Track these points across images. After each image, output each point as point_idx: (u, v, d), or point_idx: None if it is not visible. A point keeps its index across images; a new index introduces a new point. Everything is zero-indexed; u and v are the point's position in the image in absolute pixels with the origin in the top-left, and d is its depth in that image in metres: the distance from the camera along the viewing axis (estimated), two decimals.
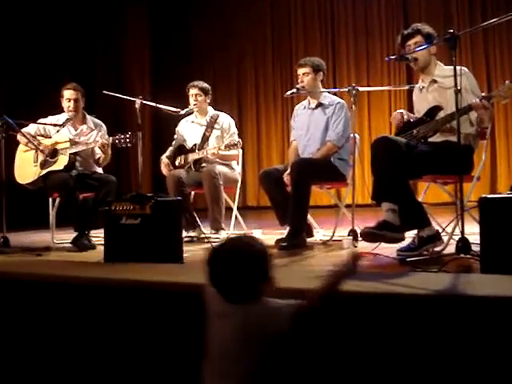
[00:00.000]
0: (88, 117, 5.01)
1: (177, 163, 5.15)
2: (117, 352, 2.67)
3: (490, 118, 3.52)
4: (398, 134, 3.76)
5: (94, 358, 2.74)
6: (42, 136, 4.84)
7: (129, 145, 4.60)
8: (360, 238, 3.70)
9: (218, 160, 5.02)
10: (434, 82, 3.73)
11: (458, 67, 3.35)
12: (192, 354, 2.42)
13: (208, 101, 5.30)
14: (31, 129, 4.85)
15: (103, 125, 5.07)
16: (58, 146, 4.70)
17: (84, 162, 4.84)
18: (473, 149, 3.66)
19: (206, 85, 5.26)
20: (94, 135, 4.90)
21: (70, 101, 4.84)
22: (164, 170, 5.14)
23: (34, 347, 2.91)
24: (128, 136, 4.56)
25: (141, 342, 2.61)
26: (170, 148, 5.34)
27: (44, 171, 4.66)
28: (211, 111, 5.32)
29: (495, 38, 8.11)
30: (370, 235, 3.35)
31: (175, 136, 5.41)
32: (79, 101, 4.88)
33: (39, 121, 4.89)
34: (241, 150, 5.26)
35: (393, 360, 2.08)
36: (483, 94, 3.41)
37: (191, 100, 5.22)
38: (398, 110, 3.95)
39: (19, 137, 4.77)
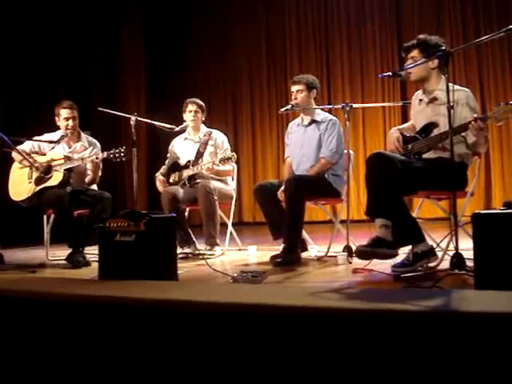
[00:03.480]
0: (83, 135, 5.02)
1: (171, 180, 5.16)
2: (111, 370, 2.66)
3: (486, 143, 3.53)
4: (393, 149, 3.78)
5: (88, 376, 2.72)
6: (37, 153, 4.84)
7: (123, 159, 4.60)
8: (354, 255, 3.70)
9: (212, 176, 5.03)
10: (435, 99, 3.71)
11: (460, 87, 3.37)
12: (186, 373, 2.42)
13: (203, 118, 5.36)
14: (26, 146, 4.85)
15: (97, 143, 5.08)
16: (53, 163, 4.70)
17: (78, 179, 4.84)
18: (467, 165, 3.67)
19: (202, 103, 5.35)
20: (87, 153, 4.92)
21: (68, 120, 4.85)
22: (160, 187, 5.15)
23: (26, 365, 2.89)
24: (122, 151, 4.56)
25: (135, 359, 2.59)
26: (164, 166, 5.36)
27: (38, 187, 4.66)
28: (204, 128, 5.36)
29: (488, 54, 8.17)
30: (364, 253, 3.36)
31: (168, 155, 5.43)
32: (76, 119, 4.90)
33: (34, 138, 4.89)
34: (235, 166, 5.28)
35: (386, 377, 2.07)
36: (476, 116, 3.39)
37: (189, 116, 5.25)
38: (394, 131, 3.85)
39: (14, 154, 4.77)
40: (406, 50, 3.79)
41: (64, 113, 4.85)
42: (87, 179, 4.90)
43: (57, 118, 4.90)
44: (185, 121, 5.27)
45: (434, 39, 3.72)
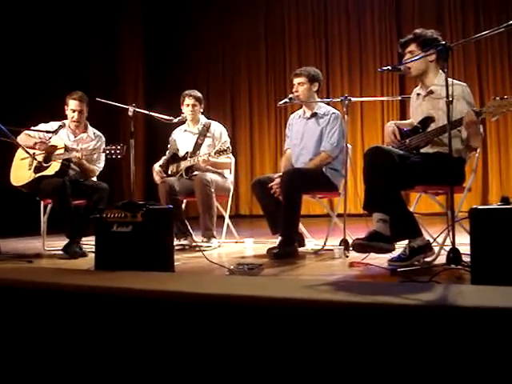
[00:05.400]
0: (90, 127, 5.01)
1: (169, 171, 5.16)
2: (107, 360, 2.66)
3: (478, 136, 3.52)
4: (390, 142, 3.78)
5: (84, 367, 2.72)
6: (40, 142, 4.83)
7: (119, 156, 4.58)
8: (351, 249, 3.71)
9: (210, 168, 5.02)
10: (431, 92, 3.70)
11: (457, 81, 3.37)
12: (181, 364, 2.42)
13: (201, 110, 5.33)
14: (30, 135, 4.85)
15: (102, 137, 5.07)
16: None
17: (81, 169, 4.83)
18: (464, 160, 3.67)
19: (199, 94, 5.31)
20: (92, 145, 4.91)
21: (74, 112, 4.85)
22: (156, 177, 5.14)
23: (22, 354, 2.89)
24: (119, 147, 4.54)
25: (130, 350, 2.59)
26: (164, 157, 5.35)
27: (37, 175, 4.65)
28: (203, 119, 5.35)
29: (487, 50, 8.17)
30: (360, 246, 3.37)
31: (169, 145, 5.42)
32: (83, 112, 4.89)
33: (33, 128, 4.86)
34: (233, 158, 5.27)
35: (382, 371, 2.07)
36: (474, 109, 3.39)
37: (187, 109, 5.23)
38: (390, 125, 3.87)
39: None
40: (403, 45, 3.77)
41: (72, 104, 4.85)
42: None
43: (66, 107, 4.90)
44: (183, 113, 5.25)
45: (431, 33, 3.71)
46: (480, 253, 2.61)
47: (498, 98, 3.22)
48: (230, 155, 5.11)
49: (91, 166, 4.86)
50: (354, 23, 8.95)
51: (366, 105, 8.67)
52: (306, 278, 3.23)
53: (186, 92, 5.28)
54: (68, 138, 4.90)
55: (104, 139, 5.07)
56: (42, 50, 7.60)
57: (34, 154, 4.66)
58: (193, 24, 9.62)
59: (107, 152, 4.59)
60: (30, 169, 4.72)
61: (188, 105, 5.23)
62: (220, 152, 4.82)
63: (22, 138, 4.74)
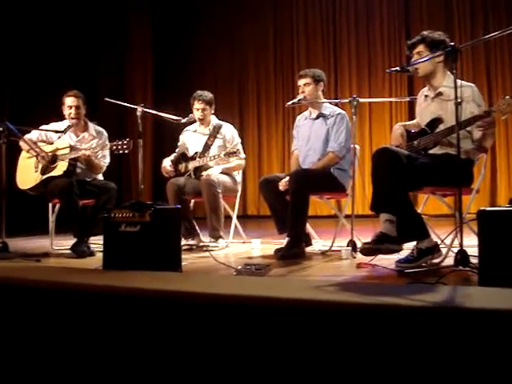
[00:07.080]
0: (90, 124, 5.02)
1: (178, 171, 5.16)
2: (113, 359, 2.67)
3: (492, 137, 3.51)
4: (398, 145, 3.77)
5: (91, 366, 2.73)
6: (44, 142, 4.85)
7: (126, 151, 4.59)
8: (360, 254, 3.70)
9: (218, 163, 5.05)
10: (440, 93, 3.69)
11: (465, 82, 3.36)
12: (188, 364, 2.43)
13: (212, 111, 5.32)
14: (33, 135, 4.86)
15: (105, 132, 5.07)
16: (58, 152, 4.71)
17: (87, 169, 4.84)
18: (473, 162, 3.65)
19: (210, 96, 5.25)
20: (95, 143, 4.92)
21: (71, 108, 4.85)
22: (163, 171, 5.19)
23: (30, 353, 2.90)
24: (126, 142, 4.55)
25: (137, 349, 2.60)
26: (174, 154, 5.36)
27: (44, 177, 4.67)
28: (214, 120, 5.33)
29: (496, 51, 8.15)
30: (368, 251, 3.36)
31: (179, 144, 5.43)
32: (81, 108, 4.89)
33: (41, 127, 4.90)
34: (243, 162, 5.27)
35: (389, 372, 2.07)
36: (482, 110, 3.39)
37: (196, 113, 5.21)
38: (398, 127, 3.85)
39: (21, 143, 4.78)
40: (410, 47, 3.76)
41: (68, 101, 4.86)
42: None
43: (63, 107, 4.91)
44: (192, 113, 5.24)
45: (438, 34, 3.71)
46: (488, 254, 2.60)
47: (507, 97, 3.22)
48: (242, 155, 5.12)
49: (100, 162, 4.88)
50: (363, 24, 8.94)
51: (374, 105, 8.66)
52: (314, 279, 3.23)
53: (197, 95, 5.23)
54: (71, 139, 4.91)
55: (106, 134, 5.06)
56: (50, 49, 7.61)
57: (41, 150, 4.68)
58: (201, 24, 9.63)
59: (114, 148, 4.60)
60: (36, 171, 4.74)
61: (198, 109, 5.20)
62: (230, 154, 4.83)
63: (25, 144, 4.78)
